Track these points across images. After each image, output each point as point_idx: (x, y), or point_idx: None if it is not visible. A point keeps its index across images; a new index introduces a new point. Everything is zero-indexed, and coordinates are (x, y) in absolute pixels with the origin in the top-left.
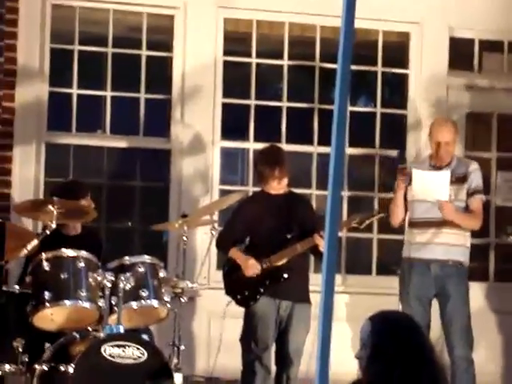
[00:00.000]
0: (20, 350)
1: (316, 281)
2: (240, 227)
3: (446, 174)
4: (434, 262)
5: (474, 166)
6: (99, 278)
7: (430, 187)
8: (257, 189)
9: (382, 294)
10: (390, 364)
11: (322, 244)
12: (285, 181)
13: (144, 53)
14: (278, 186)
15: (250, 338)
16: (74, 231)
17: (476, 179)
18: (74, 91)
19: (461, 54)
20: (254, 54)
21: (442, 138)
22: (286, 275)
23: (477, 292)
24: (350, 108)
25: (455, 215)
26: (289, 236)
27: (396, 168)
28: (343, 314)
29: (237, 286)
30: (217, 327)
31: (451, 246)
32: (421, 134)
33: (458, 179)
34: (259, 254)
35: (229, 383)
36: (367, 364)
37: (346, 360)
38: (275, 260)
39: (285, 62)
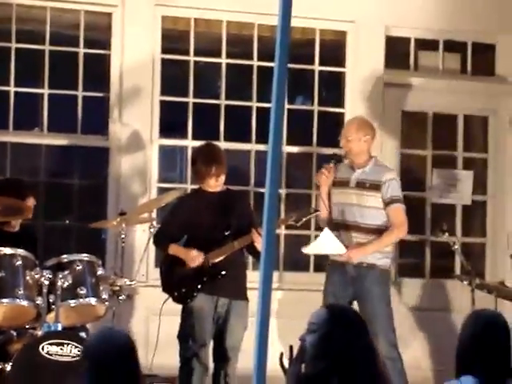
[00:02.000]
0: None
1: (254, 278)
2: (177, 224)
3: (326, 233)
4: (349, 264)
5: (390, 176)
6: (37, 276)
7: (324, 248)
8: (195, 186)
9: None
10: (336, 356)
11: (259, 240)
12: (222, 178)
13: (82, 50)
14: (215, 184)
15: (187, 334)
16: (12, 229)
17: (391, 188)
18: (11, 89)
19: (397, 52)
20: (191, 51)
21: (345, 133)
22: (223, 272)
23: (413, 289)
24: (288, 106)
25: (366, 253)
26: (226, 233)
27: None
28: (277, 310)
29: (174, 283)
30: (155, 325)
31: None
32: None
33: (372, 186)
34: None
35: (167, 380)
36: (312, 350)
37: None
38: (213, 257)
39: (223, 60)
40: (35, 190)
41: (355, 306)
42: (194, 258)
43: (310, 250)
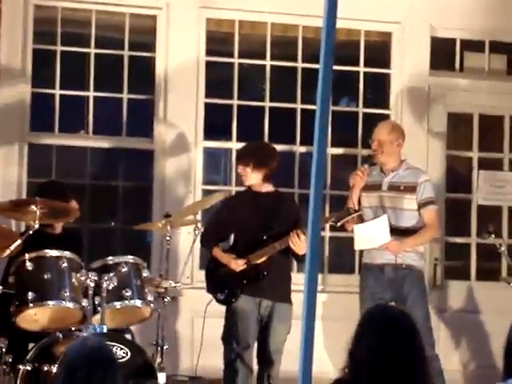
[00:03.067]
0: (3, 350)
1: (298, 280)
2: (222, 225)
3: (383, 220)
4: (386, 266)
5: (424, 178)
6: (82, 278)
7: (371, 236)
8: (239, 188)
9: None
10: (392, 357)
11: (296, 242)
12: (259, 176)
13: (126, 53)
14: (261, 183)
15: (231, 336)
16: (56, 231)
17: (426, 190)
18: (57, 92)
19: (442, 53)
20: (236, 54)
21: (376, 136)
22: (265, 273)
23: (459, 291)
24: (333, 108)
25: (404, 247)
26: (265, 237)
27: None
28: (322, 313)
29: (217, 284)
30: (199, 326)
31: (403, 251)
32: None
33: (407, 188)
34: (239, 253)
35: (212, 382)
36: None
37: (322, 358)
38: (254, 258)
39: (267, 62)
40: (78, 193)
41: None
42: (235, 264)
43: (359, 239)
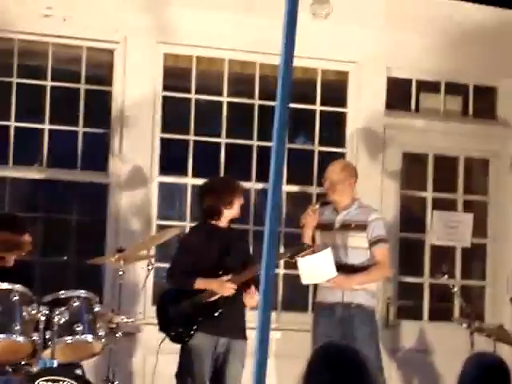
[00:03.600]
0: None
1: (251, 318)
2: (191, 259)
3: (327, 253)
4: (337, 305)
5: (375, 216)
6: (33, 312)
7: (316, 270)
8: (193, 224)
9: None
10: None
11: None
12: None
13: (83, 86)
14: (230, 216)
15: (186, 373)
16: (7, 264)
17: (378, 228)
18: (12, 123)
19: (398, 93)
20: (193, 89)
21: (328, 176)
22: (220, 310)
23: (411, 330)
24: (289, 145)
25: (352, 282)
26: (220, 272)
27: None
28: (275, 350)
29: (170, 322)
30: (152, 363)
31: (354, 289)
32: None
33: (358, 226)
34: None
35: None
36: None
37: None
38: (237, 280)
39: (224, 99)
40: (32, 226)
41: None
42: (229, 286)
43: (305, 274)
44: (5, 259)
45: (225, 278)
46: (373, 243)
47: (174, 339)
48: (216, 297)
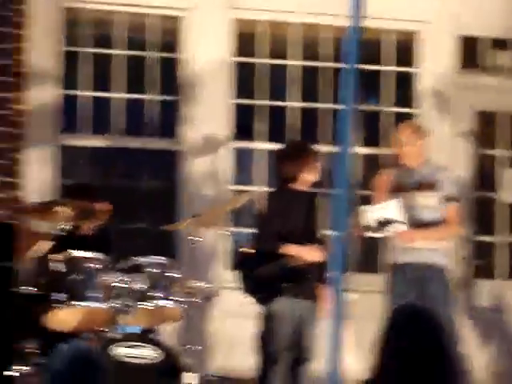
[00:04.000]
0: (33, 351)
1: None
2: (276, 223)
3: (396, 202)
4: (410, 265)
5: (446, 174)
6: (112, 279)
7: (384, 219)
8: (267, 189)
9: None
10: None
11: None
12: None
13: (156, 54)
14: (308, 179)
15: (269, 338)
16: (86, 232)
17: (448, 187)
18: (82, 93)
19: (470, 52)
20: (266, 54)
21: (399, 138)
22: (309, 275)
23: (487, 289)
24: (360, 107)
25: (419, 238)
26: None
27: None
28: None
29: (256, 285)
30: (229, 327)
31: (425, 249)
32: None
33: (430, 186)
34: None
35: (244, 382)
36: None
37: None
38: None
39: (299, 62)
40: (106, 194)
41: None
42: (316, 254)
43: (371, 222)
44: (83, 227)
45: (313, 247)
46: (444, 201)
47: (259, 301)
48: (301, 263)
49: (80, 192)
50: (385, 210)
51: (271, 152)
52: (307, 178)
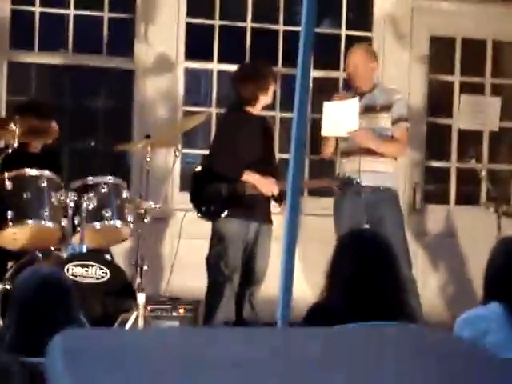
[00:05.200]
0: None
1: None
2: (236, 147)
3: (354, 102)
4: (363, 189)
5: (398, 96)
6: (62, 198)
7: (339, 119)
8: (219, 110)
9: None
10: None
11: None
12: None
13: None
14: (269, 100)
15: (219, 259)
16: (35, 150)
17: (399, 108)
18: (37, 9)
19: None
20: None
21: (351, 60)
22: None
23: (438, 215)
24: (315, 30)
25: (371, 141)
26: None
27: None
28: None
29: (204, 198)
30: (180, 247)
31: (376, 172)
32: (384, 57)
33: (382, 108)
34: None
35: (190, 303)
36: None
37: (299, 280)
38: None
39: None
40: (58, 112)
41: None
42: (273, 187)
43: (328, 120)
44: (31, 145)
45: (272, 180)
46: (394, 121)
47: (203, 214)
48: (256, 192)
49: (28, 109)
50: (344, 110)
51: (225, 73)
52: (265, 101)
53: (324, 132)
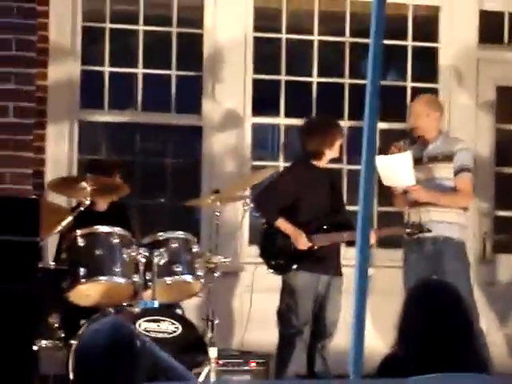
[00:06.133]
0: (56, 325)
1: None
2: (287, 196)
3: (406, 156)
4: (426, 240)
5: (461, 146)
6: (133, 254)
7: (394, 173)
8: (287, 164)
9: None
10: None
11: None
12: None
13: (175, 30)
14: (327, 158)
15: (290, 312)
16: (102, 207)
17: (462, 158)
18: (106, 69)
19: (491, 26)
20: (284, 29)
21: (413, 110)
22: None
23: (508, 264)
24: (381, 82)
25: (428, 197)
26: (339, 220)
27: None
28: (370, 287)
29: (273, 251)
30: (253, 302)
31: (441, 223)
32: (450, 107)
33: (445, 157)
34: (302, 225)
35: (263, 357)
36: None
37: (369, 332)
38: (317, 242)
39: (315, 37)
40: (128, 169)
41: None
42: (303, 243)
43: (383, 173)
44: (98, 203)
45: (306, 241)
46: (456, 172)
47: (273, 268)
48: (325, 244)
49: (91, 168)
50: (397, 164)
51: (292, 127)
52: (331, 155)
53: (385, 182)
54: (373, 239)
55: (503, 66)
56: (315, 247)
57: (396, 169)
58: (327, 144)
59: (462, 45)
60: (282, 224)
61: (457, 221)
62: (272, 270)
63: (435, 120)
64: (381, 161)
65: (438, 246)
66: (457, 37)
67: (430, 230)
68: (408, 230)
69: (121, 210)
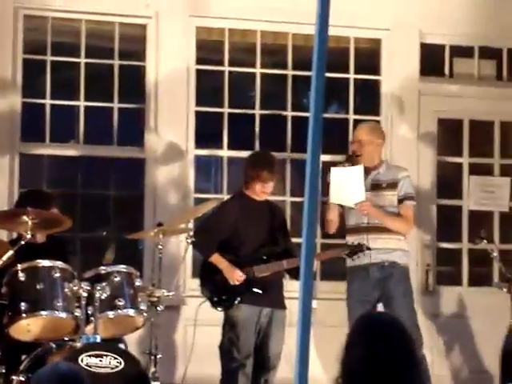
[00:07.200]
0: None
1: (292, 287)
2: (223, 230)
3: (358, 170)
4: (371, 266)
5: (404, 174)
6: (75, 288)
7: (346, 187)
8: (228, 196)
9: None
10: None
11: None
12: (271, 187)
13: (117, 62)
14: (264, 191)
15: (232, 345)
16: (41, 239)
17: (406, 185)
18: (47, 101)
19: (432, 59)
20: (226, 62)
21: (355, 137)
22: (258, 290)
23: (451, 296)
24: (324, 115)
25: (376, 213)
26: (278, 250)
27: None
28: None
29: (214, 287)
30: (196, 335)
31: (385, 249)
32: (392, 139)
33: (389, 185)
34: (240, 260)
35: None
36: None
37: (314, 365)
38: (259, 272)
39: (257, 70)
40: (70, 202)
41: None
42: (237, 278)
43: (336, 184)
44: (36, 236)
45: (239, 274)
46: (401, 200)
47: (216, 304)
48: (266, 274)
49: (32, 199)
50: (349, 177)
51: (235, 160)
52: (262, 189)
53: (332, 199)
54: (315, 266)
55: (444, 99)
56: (256, 278)
57: (349, 182)
58: (258, 178)
59: (404, 77)
60: (217, 259)
61: (400, 247)
62: (216, 307)
63: (378, 147)
64: (335, 173)
65: (384, 271)
66: (398, 69)
67: (369, 248)
68: (347, 251)
69: (58, 243)
